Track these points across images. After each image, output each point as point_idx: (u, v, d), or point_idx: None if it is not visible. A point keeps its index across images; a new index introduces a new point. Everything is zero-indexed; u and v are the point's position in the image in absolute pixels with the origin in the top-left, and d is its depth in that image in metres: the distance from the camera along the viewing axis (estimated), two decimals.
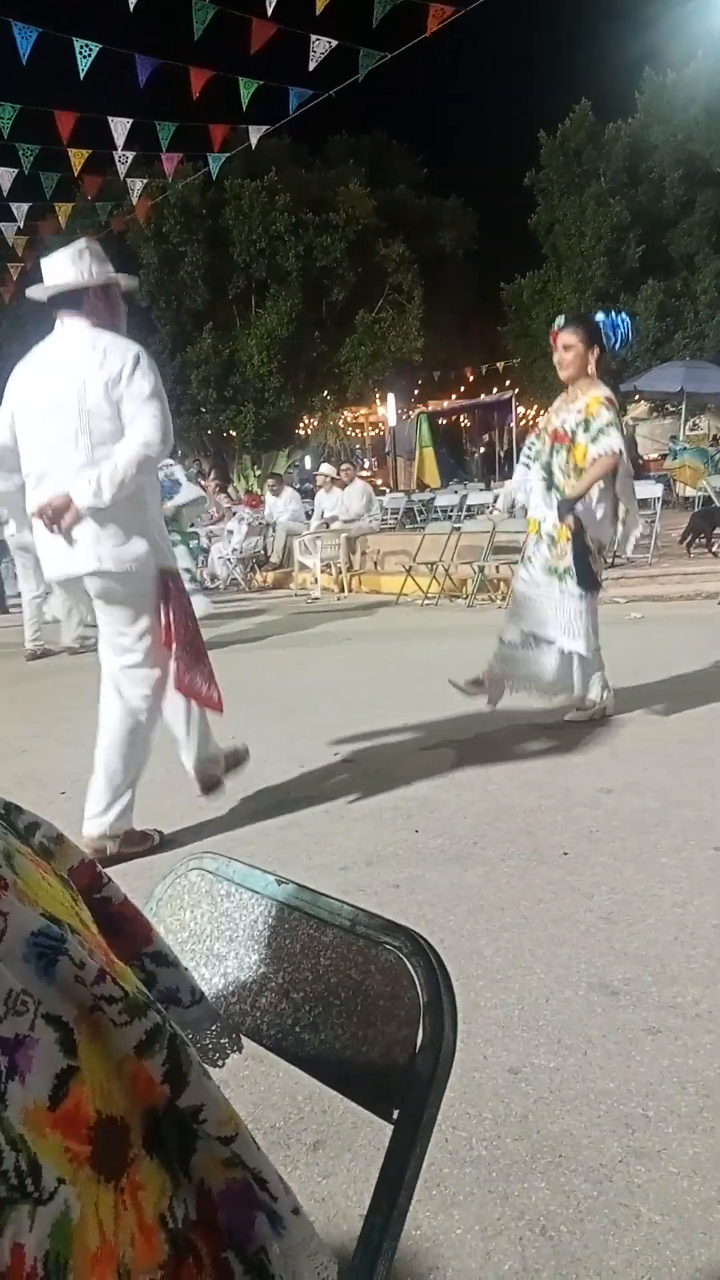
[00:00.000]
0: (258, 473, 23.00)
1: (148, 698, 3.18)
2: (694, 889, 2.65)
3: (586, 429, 4.05)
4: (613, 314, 4.17)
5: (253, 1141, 0.64)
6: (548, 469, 4.20)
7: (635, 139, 22.10)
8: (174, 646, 3.14)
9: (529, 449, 4.38)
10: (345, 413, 26.82)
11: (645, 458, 19.56)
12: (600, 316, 4.16)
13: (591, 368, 4.11)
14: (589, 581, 4.17)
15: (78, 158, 10.09)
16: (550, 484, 4.20)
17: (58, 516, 2.97)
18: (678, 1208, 1.51)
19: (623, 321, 4.16)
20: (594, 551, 4.21)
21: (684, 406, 17.78)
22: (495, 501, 11.47)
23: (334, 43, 8.33)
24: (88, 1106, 0.54)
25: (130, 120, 9.52)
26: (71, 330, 3.09)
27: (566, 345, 4.11)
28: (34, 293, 3.13)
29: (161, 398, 3.03)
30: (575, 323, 4.15)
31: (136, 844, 3.24)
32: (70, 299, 3.07)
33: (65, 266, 3.07)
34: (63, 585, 3.26)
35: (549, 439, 4.20)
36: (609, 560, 8.86)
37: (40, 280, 3.11)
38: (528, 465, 4.36)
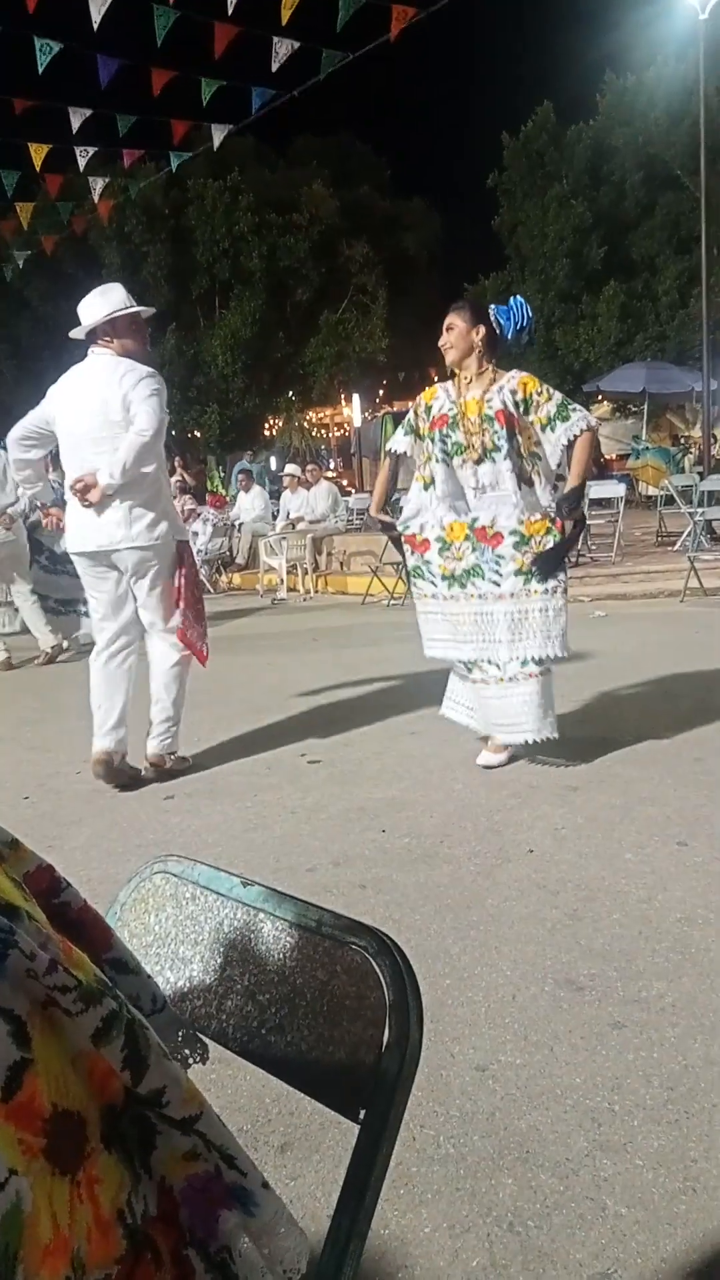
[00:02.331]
0: (222, 474, 22.92)
1: (176, 644, 3.99)
2: (658, 884, 2.68)
3: (527, 409, 3.65)
4: (512, 300, 3.86)
5: (218, 1119, 0.64)
6: (511, 456, 3.64)
7: (597, 141, 22.34)
8: (181, 604, 3.94)
9: (442, 443, 3.73)
10: (310, 413, 26.82)
11: (607, 457, 19.74)
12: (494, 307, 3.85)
13: (480, 347, 3.72)
14: (552, 568, 3.65)
15: (38, 152, 9.98)
16: (520, 472, 3.65)
17: (87, 490, 3.74)
18: (644, 1200, 1.53)
19: (518, 306, 3.81)
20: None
21: (645, 407, 17.96)
22: None
23: (296, 44, 8.32)
24: (43, 1099, 0.54)
25: (89, 111, 9.43)
26: (98, 358, 3.88)
27: (449, 326, 3.76)
28: (76, 334, 3.94)
29: (160, 399, 3.78)
30: (460, 306, 3.83)
31: (180, 765, 4.08)
32: (101, 330, 3.86)
33: (95, 303, 3.88)
34: (91, 557, 3.88)
35: (499, 423, 3.62)
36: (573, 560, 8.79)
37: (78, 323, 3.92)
38: (446, 462, 3.74)
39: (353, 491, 17.45)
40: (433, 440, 3.77)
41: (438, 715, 4.17)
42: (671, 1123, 1.70)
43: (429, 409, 3.81)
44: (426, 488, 3.80)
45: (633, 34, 20.27)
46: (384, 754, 4.14)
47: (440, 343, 3.81)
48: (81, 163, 10.22)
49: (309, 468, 13.58)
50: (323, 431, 28.37)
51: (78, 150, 10.05)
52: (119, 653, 3.96)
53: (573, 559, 10.14)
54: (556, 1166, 1.61)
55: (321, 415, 27.43)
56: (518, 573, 3.63)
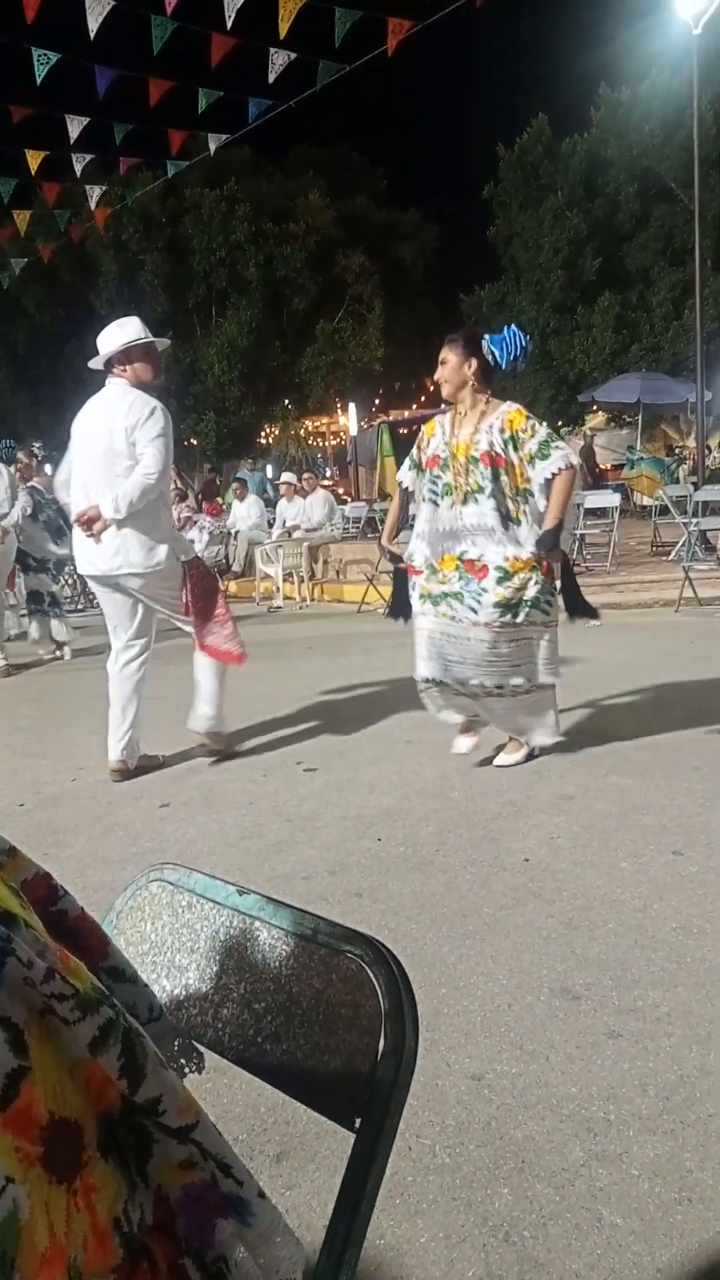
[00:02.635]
0: (219, 481, 22.94)
1: (147, 658, 4.28)
2: (654, 893, 2.68)
3: (515, 446, 3.68)
4: (507, 330, 3.85)
5: (214, 1128, 0.64)
6: (496, 496, 3.69)
7: (592, 154, 22.44)
8: (191, 616, 4.19)
9: (433, 484, 3.84)
10: (306, 422, 26.85)
11: (602, 467, 19.78)
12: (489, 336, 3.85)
13: (472, 380, 3.76)
14: (585, 609, 4.01)
15: (34, 158, 10.01)
16: (504, 514, 3.70)
17: (90, 523, 3.95)
18: (639, 1210, 1.52)
19: (511, 335, 3.80)
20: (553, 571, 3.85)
21: (640, 418, 18.02)
22: None
23: (293, 55, 8.37)
24: (40, 1107, 0.53)
25: (87, 119, 9.47)
26: (113, 387, 4.09)
27: (442, 360, 3.81)
28: (94, 363, 4.15)
29: (165, 440, 3.99)
30: (454, 338, 3.84)
31: (223, 743, 4.42)
32: (116, 359, 4.06)
33: (112, 334, 4.06)
34: (98, 581, 4.16)
35: (484, 464, 3.69)
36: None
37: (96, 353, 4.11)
38: (435, 503, 3.83)
39: (349, 500, 17.45)
40: (425, 480, 3.90)
41: (434, 723, 4.17)
42: (667, 1132, 1.70)
43: (429, 444, 3.93)
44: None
45: (627, 47, 20.41)
46: (380, 762, 4.14)
47: (435, 376, 3.89)
48: (79, 168, 10.25)
49: (305, 476, 13.60)
50: (319, 440, 28.40)
51: (75, 158, 10.08)
52: (130, 661, 4.22)
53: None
54: (552, 1176, 1.61)
55: (318, 424, 27.47)
56: (495, 604, 3.69)
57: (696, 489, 11.02)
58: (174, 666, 6.99)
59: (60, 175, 10.90)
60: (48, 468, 8.01)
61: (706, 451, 14.08)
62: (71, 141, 9.59)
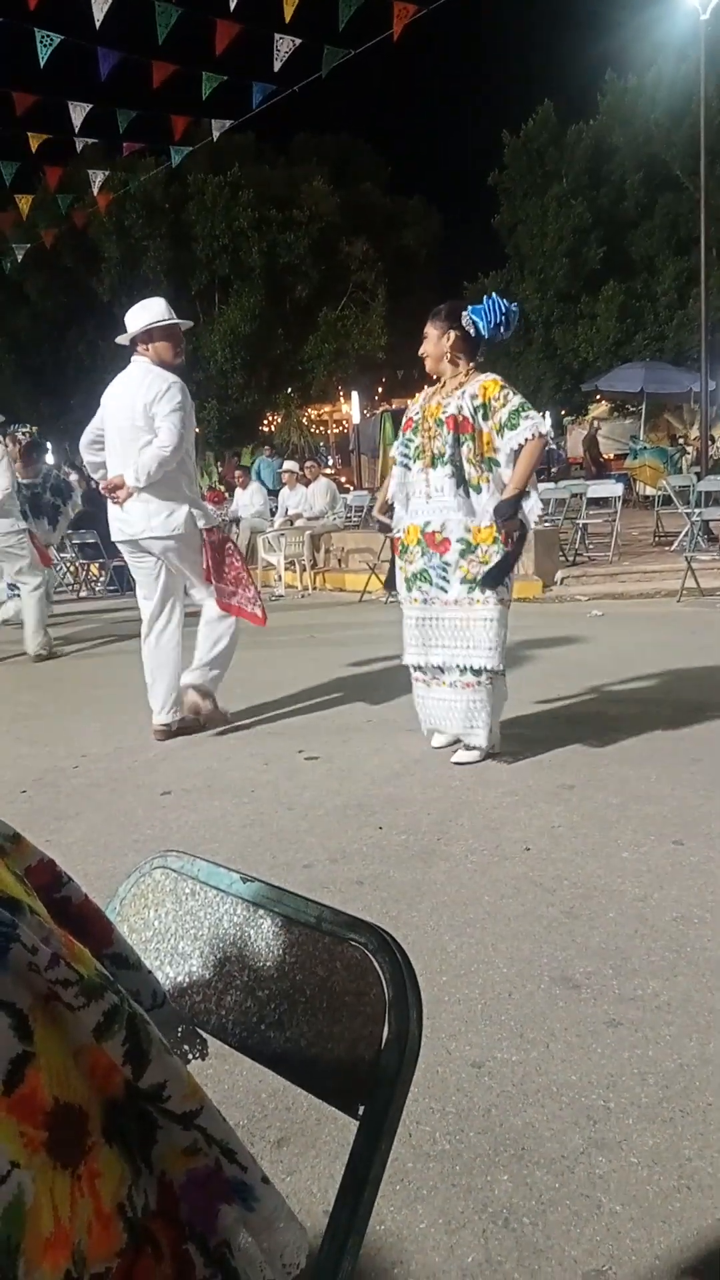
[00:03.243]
0: (220, 469, 22.91)
1: (221, 614, 4.56)
2: (654, 883, 2.68)
3: (486, 414, 3.63)
4: (487, 299, 3.80)
5: (218, 1114, 0.64)
6: (454, 461, 3.68)
7: (597, 141, 22.34)
8: (212, 580, 4.46)
9: (405, 446, 3.88)
10: (309, 410, 26.80)
11: (605, 456, 19.75)
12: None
13: (449, 352, 3.74)
14: (496, 580, 3.69)
15: (36, 140, 9.95)
16: (460, 479, 3.68)
17: (115, 491, 4.33)
18: (638, 1197, 1.53)
19: (491, 303, 3.74)
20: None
21: (644, 407, 17.97)
22: None
23: (298, 41, 8.31)
24: (44, 1092, 0.54)
25: (89, 105, 9.41)
26: (136, 364, 4.41)
27: (424, 335, 3.81)
28: (121, 340, 4.44)
29: (182, 414, 4.26)
30: (435, 312, 3.83)
31: (216, 717, 4.62)
32: (140, 338, 4.36)
33: (137, 314, 4.36)
34: (128, 544, 4.46)
35: (447, 428, 3.67)
36: (570, 559, 8.80)
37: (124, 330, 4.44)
38: (407, 465, 3.86)
39: (351, 489, 17.44)
40: (399, 443, 3.93)
41: None
42: (666, 1121, 1.71)
43: (408, 409, 3.97)
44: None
45: (634, 34, 20.30)
46: (382, 751, 4.14)
47: (420, 352, 3.88)
48: (80, 149, 10.19)
49: (307, 464, 13.57)
50: (321, 428, 28.35)
51: (77, 142, 10.02)
52: (162, 630, 4.50)
53: (517, 572, 10.15)
54: (552, 1163, 1.62)
55: (320, 412, 27.43)
56: (463, 580, 3.70)
57: (700, 479, 11.00)
58: None
59: (63, 159, 10.85)
60: (50, 457, 7.99)
61: (710, 441, 14.03)
62: (75, 127, 9.53)
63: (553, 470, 24.12)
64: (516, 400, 3.63)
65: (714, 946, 2.31)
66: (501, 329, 3.76)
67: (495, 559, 3.66)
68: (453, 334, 3.74)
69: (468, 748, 3.90)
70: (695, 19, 14.12)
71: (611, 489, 11.45)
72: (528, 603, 8.71)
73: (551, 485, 13.38)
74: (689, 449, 16.38)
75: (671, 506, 11.14)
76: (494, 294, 3.90)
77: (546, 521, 11.04)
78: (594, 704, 4.74)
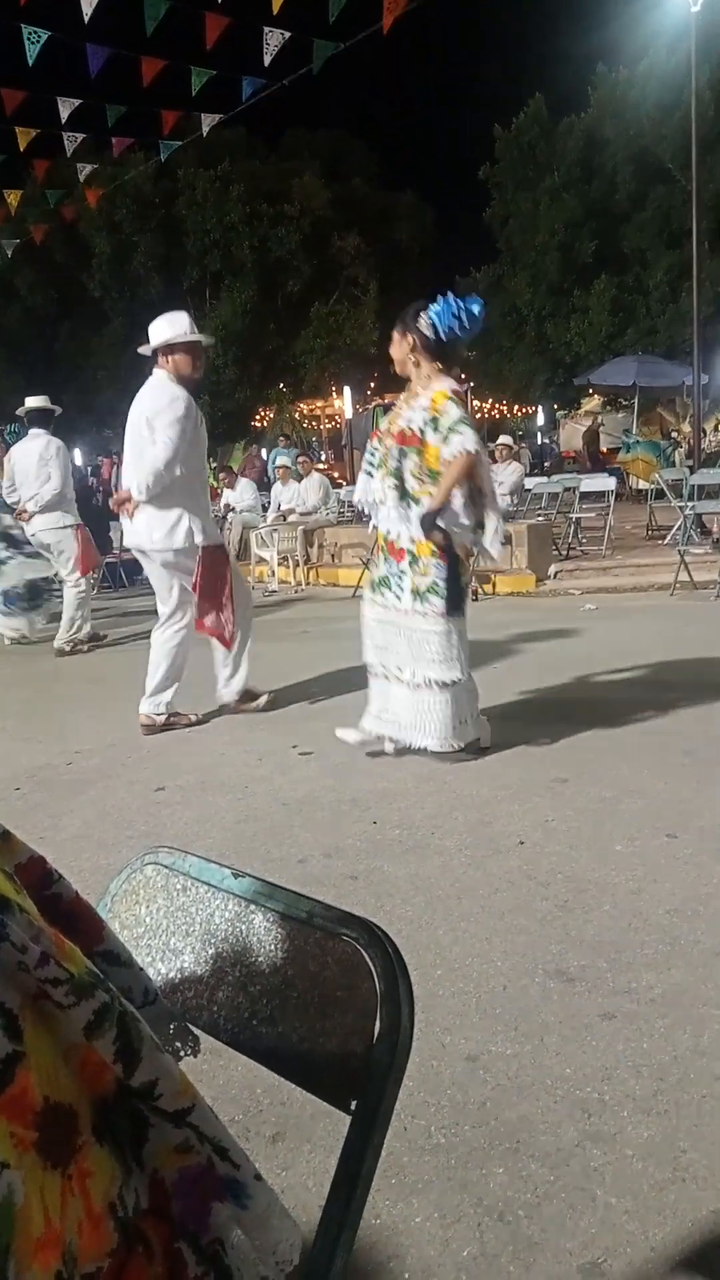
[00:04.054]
0: (213, 465, 22.87)
1: (185, 626, 4.62)
2: (648, 876, 2.69)
3: (435, 427, 3.64)
4: (442, 299, 3.76)
5: (210, 1112, 0.64)
6: (398, 475, 3.72)
7: (589, 134, 22.30)
8: (196, 597, 4.49)
9: (371, 455, 3.92)
10: (301, 405, 26.74)
11: (601, 451, 19.76)
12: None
13: (412, 355, 3.75)
14: (456, 603, 3.71)
15: (24, 136, 9.89)
16: (403, 492, 3.72)
17: (122, 503, 4.51)
18: (633, 1190, 1.53)
19: (445, 303, 3.70)
20: (464, 561, 3.76)
21: (636, 401, 17.98)
22: None
23: (287, 35, 8.27)
24: (35, 1092, 0.53)
25: (79, 101, 9.35)
26: (154, 376, 4.52)
27: (391, 342, 3.86)
28: (143, 350, 4.54)
29: (180, 428, 4.34)
30: (401, 316, 3.83)
31: (178, 720, 4.64)
32: (161, 351, 4.46)
33: (160, 327, 4.48)
34: (136, 552, 4.66)
35: (393, 441, 3.74)
36: (572, 556, 8.79)
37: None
38: (370, 474, 3.90)
39: (344, 484, 17.42)
40: (367, 452, 4.00)
41: None
42: (661, 1113, 1.71)
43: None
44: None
45: (625, 26, 20.22)
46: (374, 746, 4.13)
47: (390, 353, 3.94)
48: (70, 149, 10.14)
49: (300, 460, 13.55)
50: (314, 423, 28.30)
51: (66, 137, 9.97)
52: (167, 628, 4.60)
53: (564, 551, 10.18)
54: (547, 1157, 1.62)
55: (313, 407, 27.36)
56: (412, 591, 3.73)
57: (692, 472, 11.01)
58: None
59: (52, 154, 10.79)
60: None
61: (702, 434, 14.05)
62: (63, 122, 9.48)
63: (546, 464, 24.14)
64: (454, 414, 3.65)
65: (707, 939, 2.32)
66: (458, 329, 3.72)
67: (433, 572, 3.69)
68: (410, 338, 3.77)
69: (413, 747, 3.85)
70: (686, 11, 14.09)
71: (604, 483, 11.45)
72: (521, 597, 8.72)
73: (544, 480, 13.39)
74: (682, 443, 16.39)
75: (664, 500, 11.14)
76: (450, 294, 3.85)
77: (539, 515, 11.05)
78: (587, 698, 4.75)
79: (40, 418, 7.23)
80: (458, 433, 3.60)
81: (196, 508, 4.48)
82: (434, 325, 3.71)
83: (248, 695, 4.78)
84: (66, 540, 7.16)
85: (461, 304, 3.72)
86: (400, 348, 3.80)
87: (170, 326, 4.47)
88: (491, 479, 3.87)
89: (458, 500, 3.66)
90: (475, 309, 3.74)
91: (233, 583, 4.55)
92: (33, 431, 7.19)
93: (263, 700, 4.82)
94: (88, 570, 7.40)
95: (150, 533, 4.42)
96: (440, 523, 3.64)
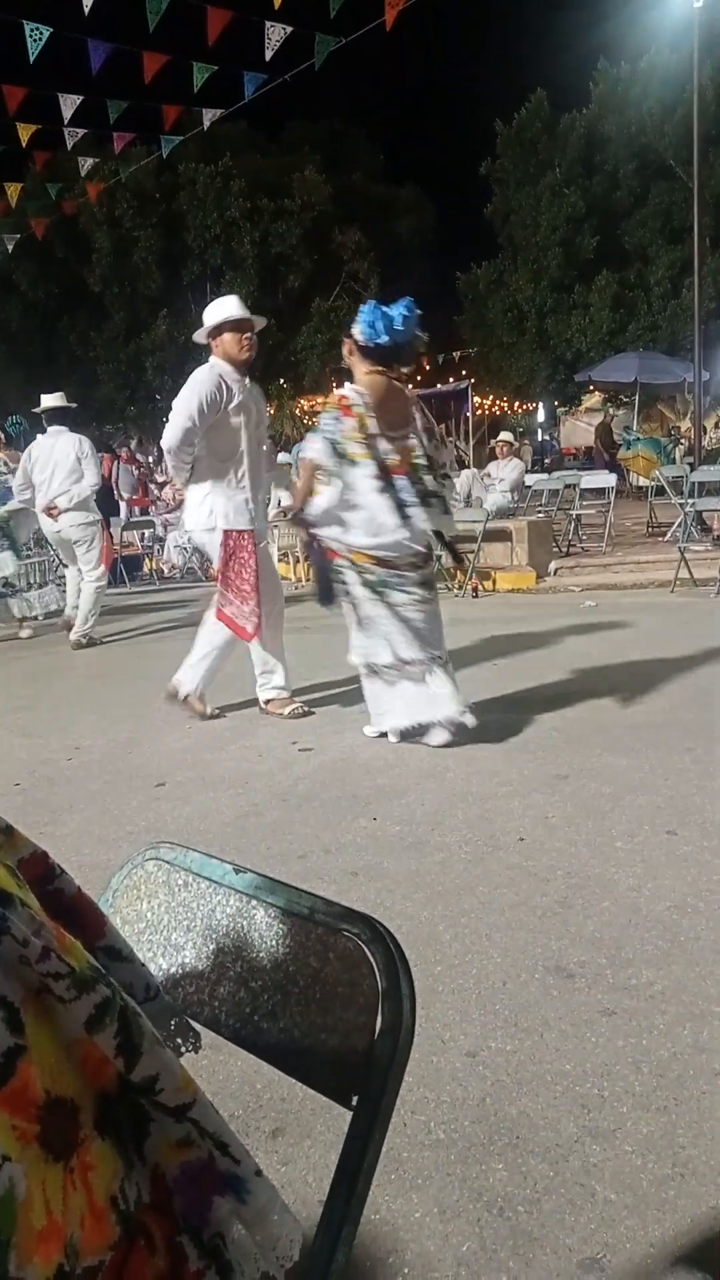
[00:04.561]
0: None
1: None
2: (648, 873, 2.69)
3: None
4: (362, 306, 3.92)
5: (211, 1107, 0.64)
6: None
7: (590, 130, 22.23)
8: (220, 586, 4.49)
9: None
10: (302, 401, 26.71)
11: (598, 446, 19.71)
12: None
13: (350, 362, 3.97)
14: (324, 596, 4.07)
15: (25, 131, 9.87)
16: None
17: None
18: (632, 1185, 1.54)
19: (364, 313, 3.84)
20: (330, 557, 3.97)
21: (637, 398, 17.96)
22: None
23: (288, 29, 8.25)
24: (36, 1086, 0.53)
25: (80, 98, 9.33)
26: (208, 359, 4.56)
27: None
28: (196, 337, 4.64)
29: (183, 407, 4.31)
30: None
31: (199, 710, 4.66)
32: (210, 334, 4.49)
33: (209, 312, 4.51)
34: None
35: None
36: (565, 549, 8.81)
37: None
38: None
39: None
40: None
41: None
42: (660, 1109, 1.71)
43: None
44: None
45: (627, 22, 20.13)
46: (375, 742, 4.14)
47: None
48: (71, 144, 10.11)
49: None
50: (315, 420, 28.25)
51: (67, 133, 9.95)
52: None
53: (564, 547, 10.17)
54: (546, 1152, 1.62)
55: (313, 403, 27.31)
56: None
57: (693, 469, 11.00)
58: (164, 644, 6.98)
59: (53, 148, 10.76)
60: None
61: (703, 432, 14.03)
62: (65, 121, 9.46)
63: (546, 461, 24.11)
64: (320, 420, 3.94)
65: (707, 935, 2.32)
66: (381, 335, 3.80)
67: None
68: (347, 343, 3.97)
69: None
70: (688, 6, 14.05)
71: (605, 480, 11.44)
72: (521, 593, 8.72)
73: (545, 476, 13.39)
74: (683, 440, 16.37)
75: (665, 497, 11.14)
76: (373, 301, 3.95)
77: (539, 512, 11.05)
78: (587, 694, 4.74)
79: (59, 415, 7.29)
80: (309, 436, 3.89)
81: (222, 490, 4.45)
82: (363, 333, 3.87)
83: (279, 700, 4.66)
84: (95, 535, 7.36)
85: (381, 310, 3.83)
86: (345, 354, 4.02)
87: (214, 311, 4.50)
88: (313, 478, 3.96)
89: (319, 500, 3.85)
90: (395, 312, 3.84)
91: (260, 575, 4.42)
92: (54, 429, 7.23)
93: (289, 710, 4.62)
94: (109, 564, 7.60)
95: (188, 513, 4.59)
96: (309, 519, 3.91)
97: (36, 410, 7.51)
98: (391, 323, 3.81)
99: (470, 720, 3.90)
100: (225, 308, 4.49)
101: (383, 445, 3.79)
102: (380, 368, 3.89)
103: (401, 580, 3.86)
